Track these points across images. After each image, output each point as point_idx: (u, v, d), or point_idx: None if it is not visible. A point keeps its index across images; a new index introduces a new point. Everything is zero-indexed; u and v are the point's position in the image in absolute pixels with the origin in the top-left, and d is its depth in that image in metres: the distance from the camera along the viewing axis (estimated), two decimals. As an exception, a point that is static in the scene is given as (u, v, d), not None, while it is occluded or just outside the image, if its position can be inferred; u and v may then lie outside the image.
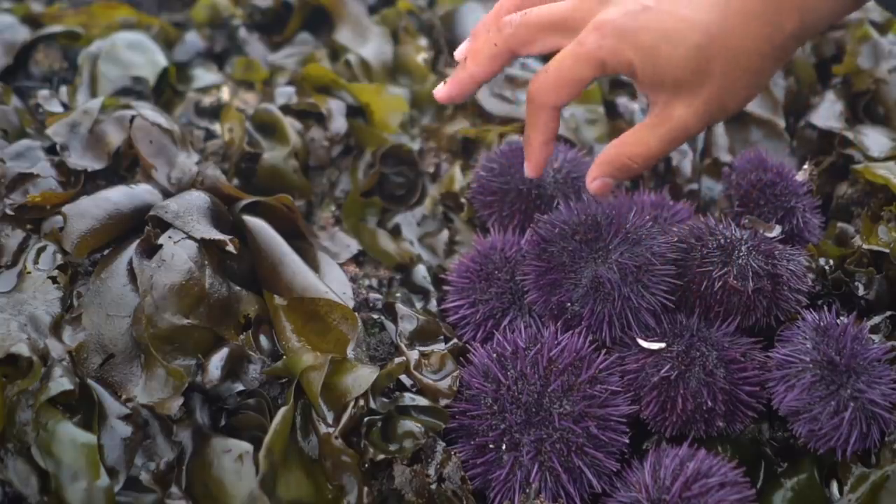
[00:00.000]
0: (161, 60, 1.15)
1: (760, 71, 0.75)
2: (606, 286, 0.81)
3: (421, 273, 1.00)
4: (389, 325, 0.89)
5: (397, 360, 0.83)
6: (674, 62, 0.72)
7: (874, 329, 0.83)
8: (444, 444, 0.79)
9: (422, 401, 0.81)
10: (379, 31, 1.27)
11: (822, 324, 0.79)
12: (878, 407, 0.75)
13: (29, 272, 0.83)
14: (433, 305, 0.96)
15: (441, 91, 0.82)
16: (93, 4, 1.24)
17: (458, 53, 0.82)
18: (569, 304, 0.82)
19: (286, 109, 1.12)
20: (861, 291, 0.87)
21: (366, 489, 0.75)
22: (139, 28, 1.21)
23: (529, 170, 0.83)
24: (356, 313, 0.85)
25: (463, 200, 1.06)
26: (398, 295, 0.97)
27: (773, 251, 0.84)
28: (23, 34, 1.16)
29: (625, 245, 0.82)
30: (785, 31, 0.73)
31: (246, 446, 0.74)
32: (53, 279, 0.83)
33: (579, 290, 0.82)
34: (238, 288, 0.86)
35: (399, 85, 1.22)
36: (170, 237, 0.84)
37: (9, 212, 0.88)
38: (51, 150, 0.97)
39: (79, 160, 0.95)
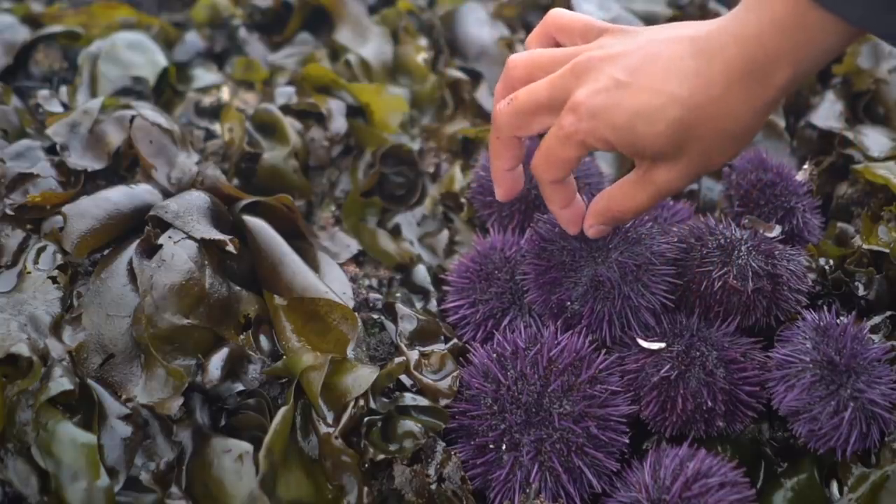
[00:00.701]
0: (161, 60, 1.15)
1: (747, 130, 0.72)
2: (606, 285, 0.81)
3: (421, 273, 1.00)
4: (389, 325, 0.89)
5: (397, 360, 0.83)
6: (651, 138, 0.71)
7: (874, 329, 0.83)
8: (444, 444, 0.79)
9: (422, 401, 0.81)
10: (379, 31, 1.27)
11: (821, 324, 0.79)
12: (878, 407, 0.75)
13: (29, 272, 0.83)
14: (433, 305, 0.96)
15: (497, 194, 0.84)
16: (93, 4, 1.24)
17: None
18: (568, 303, 0.82)
19: (286, 109, 1.12)
20: (861, 291, 0.87)
21: (366, 489, 0.75)
22: (139, 28, 1.21)
23: (570, 229, 0.82)
24: (356, 313, 0.85)
25: (463, 200, 1.06)
26: (398, 295, 0.97)
27: (773, 251, 0.84)
28: (23, 34, 1.16)
29: (625, 244, 0.82)
30: (775, 86, 0.70)
31: (246, 446, 0.74)
32: (53, 279, 0.83)
33: (579, 289, 0.82)
34: (238, 288, 0.86)
35: (399, 85, 1.22)
36: (170, 237, 0.84)
37: (9, 212, 0.88)
38: (51, 150, 0.97)
39: (79, 160, 0.95)
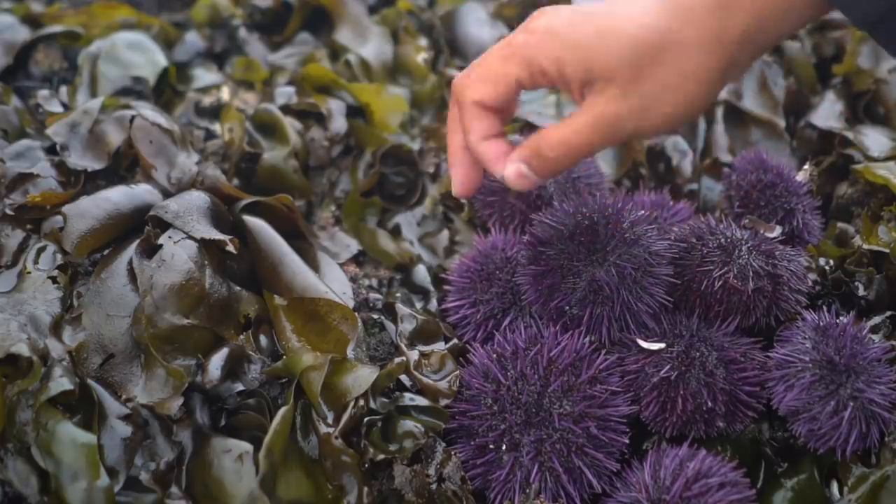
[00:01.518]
0: (161, 60, 1.15)
1: (703, 75, 0.70)
2: (605, 290, 0.81)
3: (421, 273, 1.00)
4: (389, 325, 0.89)
5: (397, 360, 0.83)
6: (608, 55, 0.69)
7: (874, 329, 0.83)
8: (444, 445, 0.79)
9: (422, 401, 0.81)
10: (379, 31, 1.27)
11: (821, 323, 0.79)
12: (878, 406, 0.75)
13: (29, 272, 0.83)
14: (433, 305, 0.96)
15: (454, 186, 0.81)
16: (93, 4, 1.24)
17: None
18: (567, 308, 0.82)
19: (286, 109, 1.12)
20: (861, 291, 0.87)
21: (366, 489, 0.75)
22: (139, 28, 1.21)
23: (491, 168, 0.76)
24: (356, 313, 0.85)
25: (463, 200, 1.06)
26: (398, 295, 0.97)
27: (774, 251, 0.84)
28: (23, 34, 1.16)
29: (623, 247, 0.81)
30: (731, 27, 0.68)
31: (246, 446, 0.74)
32: (53, 279, 0.83)
33: (577, 294, 0.81)
34: (238, 288, 0.86)
35: (399, 85, 1.22)
36: (170, 237, 0.84)
37: (9, 212, 0.88)
38: (51, 150, 0.97)
39: (79, 160, 0.95)
